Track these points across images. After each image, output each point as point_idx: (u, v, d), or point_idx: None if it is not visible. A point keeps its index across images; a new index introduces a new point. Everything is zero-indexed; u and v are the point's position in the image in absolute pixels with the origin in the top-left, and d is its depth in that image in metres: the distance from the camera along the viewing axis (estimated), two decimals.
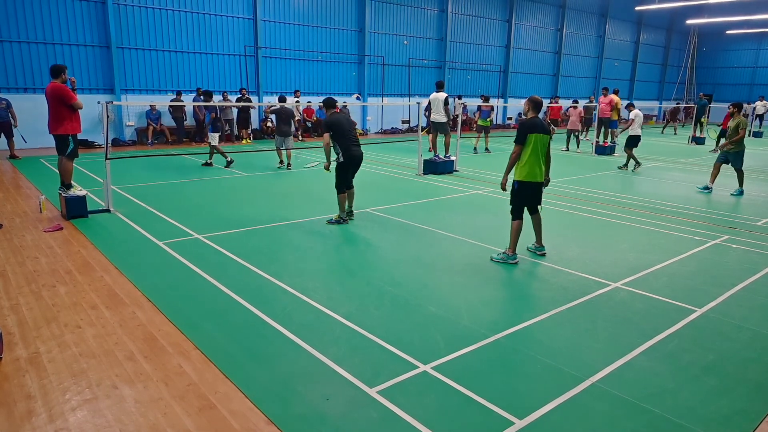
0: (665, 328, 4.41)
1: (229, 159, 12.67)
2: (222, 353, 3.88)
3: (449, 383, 3.51)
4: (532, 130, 5.82)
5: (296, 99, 19.39)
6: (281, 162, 12.80)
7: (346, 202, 7.64)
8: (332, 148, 7.40)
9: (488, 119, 16.90)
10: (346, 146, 7.41)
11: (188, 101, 17.73)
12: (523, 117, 6.06)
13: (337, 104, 7.65)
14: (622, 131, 13.91)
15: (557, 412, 3.25)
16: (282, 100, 12.67)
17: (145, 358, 3.81)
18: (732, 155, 10.47)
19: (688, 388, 3.55)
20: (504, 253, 6.01)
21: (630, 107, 14.18)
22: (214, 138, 12.56)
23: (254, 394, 3.38)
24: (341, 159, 7.46)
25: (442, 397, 3.37)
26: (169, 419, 3.13)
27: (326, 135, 7.30)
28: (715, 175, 10.73)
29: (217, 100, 17.88)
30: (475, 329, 4.33)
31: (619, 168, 13.57)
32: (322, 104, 7.75)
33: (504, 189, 5.98)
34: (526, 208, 6.09)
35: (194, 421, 3.12)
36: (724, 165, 10.66)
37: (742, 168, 10.56)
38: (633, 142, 13.36)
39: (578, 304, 4.88)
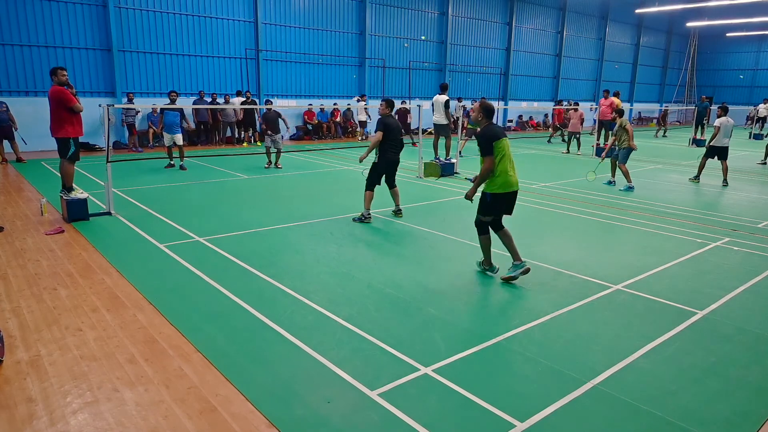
0: (666, 331, 4.40)
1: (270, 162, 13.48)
2: (223, 356, 3.88)
3: (450, 385, 3.51)
4: (496, 138, 5.24)
5: (363, 101, 20.93)
6: (269, 162, 13.35)
7: (371, 201, 7.89)
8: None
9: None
10: (385, 150, 7.78)
11: (187, 104, 17.77)
12: (474, 127, 5.91)
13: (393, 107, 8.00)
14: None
15: (558, 414, 3.24)
16: (268, 103, 13.47)
17: (146, 361, 3.81)
18: (622, 151, 11.01)
19: (689, 391, 3.55)
20: (483, 266, 5.73)
21: (719, 112, 12.07)
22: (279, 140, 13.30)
23: (255, 396, 3.38)
24: (376, 160, 7.84)
25: (442, 400, 3.37)
26: (170, 422, 3.13)
27: (379, 134, 7.68)
28: (620, 172, 11.24)
29: (221, 102, 17.96)
30: (475, 331, 4.33)
31: (690, 180, 12.47)
32: (383, 102, 7.95)
33: (470, 200, 5.53)
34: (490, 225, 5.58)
35: (195, 423, 3.12)
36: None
37: (625, 164, 11.09)
38: (709, 152, 12.05)
39: (579, 307, 4.87)
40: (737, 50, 38.83)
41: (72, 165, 8.08)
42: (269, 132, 12.90)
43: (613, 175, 11.54)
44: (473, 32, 26.31)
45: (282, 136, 13.32)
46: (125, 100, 16.73)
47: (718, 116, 12.07)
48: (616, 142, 11.09)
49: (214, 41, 18.55)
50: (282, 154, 13.64)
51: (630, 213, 8.82)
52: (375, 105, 22.35)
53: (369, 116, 21.39)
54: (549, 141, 21.79)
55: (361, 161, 8.07)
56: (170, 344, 4.06)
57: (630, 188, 10.91)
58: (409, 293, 5.12)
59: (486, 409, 3.28)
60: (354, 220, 7.89)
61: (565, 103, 19.17)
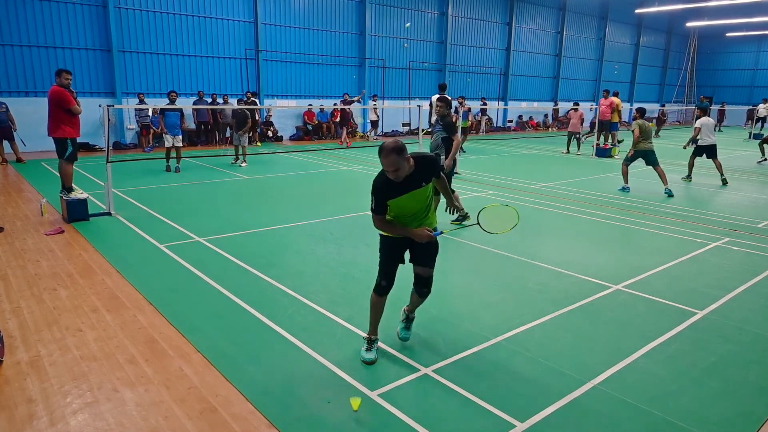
0: (666, 331, 4.40)
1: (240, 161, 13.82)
2: (223, 356, 3.88)
3: (450, 386, 3.51)
4: None
5: (373, 102, 21.27)
6: (236, 158, 13.84)
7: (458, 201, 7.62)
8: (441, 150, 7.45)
9: (467, 121, 17.13)
10: (449, 149, 7.43)
11: (187, 105, 17.77)
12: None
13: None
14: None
15: (558, 414, 3.24)
16: (239, 102, 14.38)
17: (146, 362, 3.81)
18: (641, 153, 10.75)
19: (689, 391, 3.55)
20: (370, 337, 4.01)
21: (699, 112, 12.24)
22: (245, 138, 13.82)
23: (255, 397, 3.38)
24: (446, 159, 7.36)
25: (443, 400, 3.37)
26: (170, 422, 3.13)
27: (459, 136, 7.78)
28: (626, 174, 10.97)
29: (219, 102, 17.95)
30: (476, 332, 4.33)
31: (682, 178, 12.55)
32: (441, 103, 7.50)
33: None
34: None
35: (195, 424, 3.12)
36: (644, 164, 10.98)
37: (626, 165, 10.88)
38: (697, 151, 12.15)
39: (579, 307, 4.87)
40: (737, 50, 38.83)
41: (70, 165, 8.09)
42: (235, 130, 13.49)
43: (665, 182, 10.66)
44: (473, 32, 26.32)
45: (247, 136, 13.81)
46: (129, 101, 16.75)
47: (698, 117, 12.19)
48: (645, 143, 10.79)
49: (213, 41, 18.55)
50: (248, 155, 13.94)
51: (630, 213, 8.82)
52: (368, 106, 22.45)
53: (378, 116, 21.51)
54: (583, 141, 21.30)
55: (447, 169, 7.22)
56: (170, 345, 4.06)
57: (625, 189, 10.83)
58: (408, 294, 5.10)
59: (486, 409, 3.28)
60: (453, 222, 7.21)
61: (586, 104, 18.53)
